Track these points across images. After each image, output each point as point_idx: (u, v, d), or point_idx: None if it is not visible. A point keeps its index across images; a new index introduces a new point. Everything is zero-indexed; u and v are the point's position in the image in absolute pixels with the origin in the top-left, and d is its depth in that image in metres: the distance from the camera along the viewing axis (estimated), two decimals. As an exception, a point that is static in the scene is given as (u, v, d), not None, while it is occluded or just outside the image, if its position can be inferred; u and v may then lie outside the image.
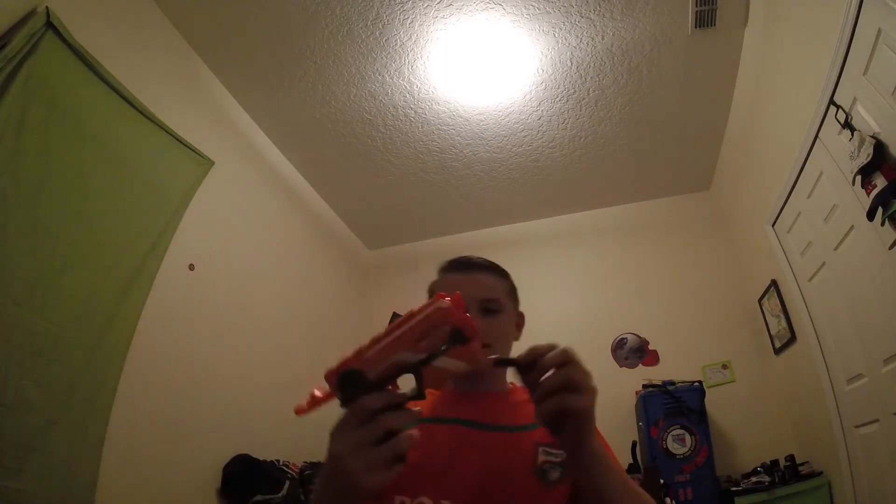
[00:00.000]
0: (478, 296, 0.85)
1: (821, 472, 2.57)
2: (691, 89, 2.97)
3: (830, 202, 2.16)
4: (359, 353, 0.51)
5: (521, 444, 0.77)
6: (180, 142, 2.45)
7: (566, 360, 0.56)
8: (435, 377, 0.53)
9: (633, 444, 3.13)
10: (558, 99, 3.01)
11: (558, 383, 0.55)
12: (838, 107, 1.90)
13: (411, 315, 0.50)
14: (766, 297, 3.10)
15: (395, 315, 4.05)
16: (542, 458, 0.75)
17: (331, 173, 3.62)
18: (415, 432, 0.50)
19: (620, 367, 3.61)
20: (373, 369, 0.50)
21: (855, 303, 2.12)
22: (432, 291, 0.91)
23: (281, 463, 2.73)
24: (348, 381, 0.50)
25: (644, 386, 3.14)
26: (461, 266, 0.90)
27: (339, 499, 0.51)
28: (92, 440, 1.83)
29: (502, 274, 0.94)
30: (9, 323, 1.61)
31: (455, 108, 3.04)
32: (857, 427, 2.21)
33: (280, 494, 2.49)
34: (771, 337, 3.16)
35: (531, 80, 2.87)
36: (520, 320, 0.95)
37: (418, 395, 0.50)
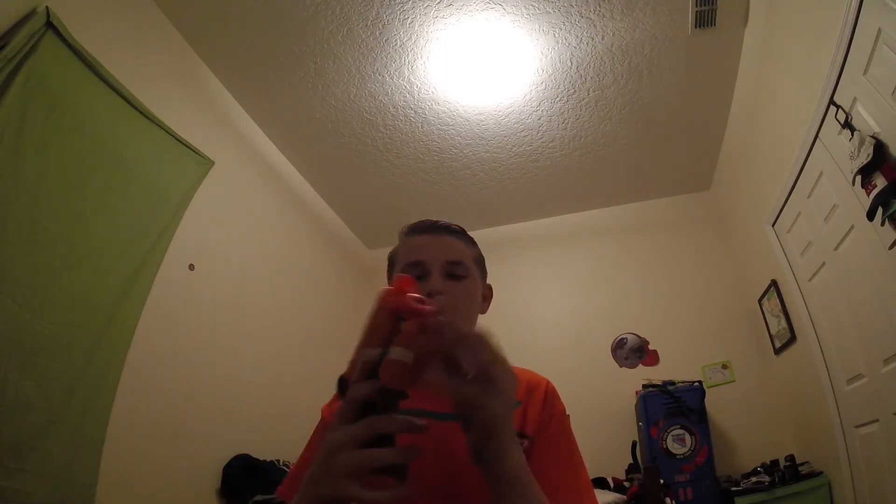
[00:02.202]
0: (442, 257, 0.79)
1: (821, 472, 2.57)
2: (691, 89, 2.97)
3: (830, 202, 2.16)
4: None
5: None
6: (180, 142, 2.45)
7: (490, 358, 0.52)
8: (418, 371, 0.49)
9: (633, 444, 3.13)
10: (558, 99, 3.01)
11: (476, 382, 0.51)
12: (838, 107, 1.90)
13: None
14: (766, 297, 3.10)
15: None
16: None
17: (331, 173, 3.62)
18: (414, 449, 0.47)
19: (620, 367, 3.61)
20: (352, 373, 0.49)
21: (855, 303, 2.12)
22: (392, 258, 0.88)
23: (281, 463, 2.73)
24: (340, 389, 0.50)
25: (644, 386, 3.14)
26: (425, 228, 0.84)
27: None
28: (92, 440, 1.83)
29: (469, 240, 0.88)
30: (9, 323, 1.61)
31: (455, 108, 3.04)
32: (857, 427, 2.21)
33: (280, 494, 2.49)
34: (771, 337, 3.16)
35: (531, 80, 2.87)
36: (487, 292, 0.88)
37: (387, 395, 0.47)
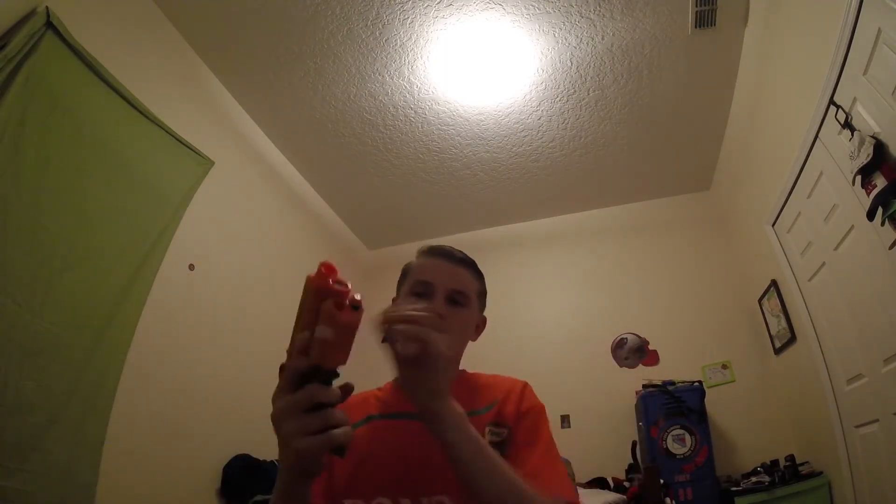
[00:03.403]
0: (449, 285, 0.86)
1: (821, 472, 2.57)
2: (691, 89, 2.97)
3: (830, 202, 2.16)
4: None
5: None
6: (180, 142, 2.45)
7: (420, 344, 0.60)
8: (342, 347, 0.54)
9: (633, 444, 3.13)
10: (558, 99, 3.01)
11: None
12: (838, 107, 1.90)
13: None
14: (766, 297, 3.10)
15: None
16: (488, 438, 0.77)
17: (331, 173, 3.62)
18: (345, 414, 0.53)
19: (620, 367, 3.61)
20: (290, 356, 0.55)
21: (855, 303, 2.12)
22: (406, 271, 0.93)
23: (281, 463, 2.73)
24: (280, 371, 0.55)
25: (644, 386, 3.14)
26: (442, 254, 0.91)
27: (287, 476, 0.56)
28: (92, 440, 1.84)
29: (478, 274, 0.95)
30: (9, 323, 1.62)
31: (455, 108, 3.04)
32: (857, 427, 2.21)
33: (280, 494, 2.49)
34: (771, 337, 3.16)
35: (531, 80, 2.87)
36: (481, 323, 0.95)
37: (320, 372, 0.53)
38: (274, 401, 0.54)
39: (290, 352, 0.55)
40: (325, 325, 0.53)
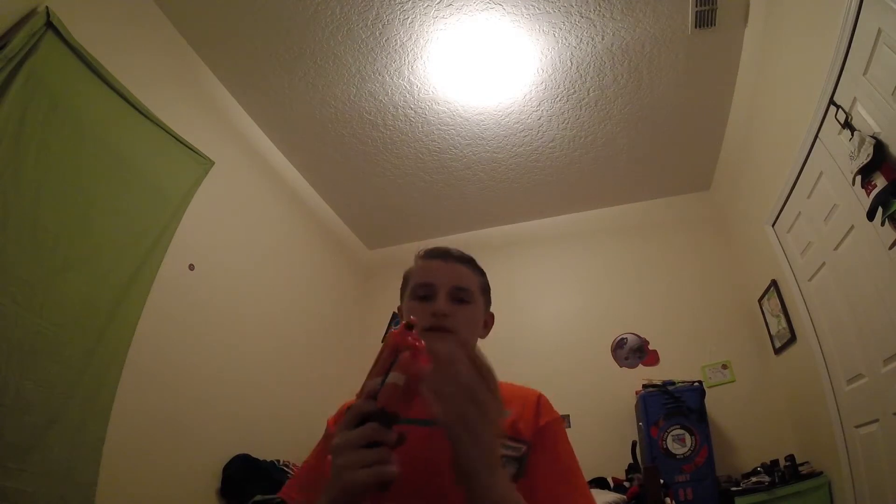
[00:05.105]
0: (450, 283, 0.86)
1: (821, 472, 2.56)
2: (691, 89, 2.97)
3: (830, 202, 2.16)
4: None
5: None
6: (180, 142, 2.45)
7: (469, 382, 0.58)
8: (409, 393, 0.58)
9: (633, 444, 3.13)
10: (558, 99, 3.01)
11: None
12: (838, 107, 1.90)
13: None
14: (766, 297, 3.10)
15: (394, 315, 4.06)
16: (502, 452, 0.75)
17: (331, 173, 3.62)
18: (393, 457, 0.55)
19: (620, 367, 3.61)
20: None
21: (855, 303, 2.12)
22: (407, 277, 0.93)
23: (281, 463, 2.73)
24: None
25: (644, 386, 3.13)
26: (439, 254, 0.91)
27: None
28: (92, 440, 1.83)
29: (478, 270, 0.94)
30: (9, 323, 1.62)
31: (455, 108, 3.04)
32: (857, 427, 2.21)
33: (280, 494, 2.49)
34: (771, 337, 3.16)
35: (531, 80, 2.87)
36: (489, 319, 0.94)
37: (381, 415, 0.57)
38: (336, 434, 0.57)
39: (359, 395, 0.60)
40: (400, 372, 0.57)
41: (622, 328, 3.71)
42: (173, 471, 2.22)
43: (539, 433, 0.78)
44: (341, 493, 0.54)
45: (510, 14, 2.46)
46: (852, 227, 2.01)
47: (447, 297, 0.85)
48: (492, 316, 0.95)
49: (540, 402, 0.83)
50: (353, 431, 0.55)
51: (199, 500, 2.36)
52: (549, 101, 3.02)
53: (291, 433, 3.03)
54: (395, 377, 0.57)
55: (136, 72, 2.26)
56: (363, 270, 4.51)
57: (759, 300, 3.21)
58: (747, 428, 3.17)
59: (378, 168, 3.54)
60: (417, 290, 0.86)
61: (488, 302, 0.95)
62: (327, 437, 0.83)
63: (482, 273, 0.95)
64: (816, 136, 2.15)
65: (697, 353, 3.46)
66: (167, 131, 2.38)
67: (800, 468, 2.66)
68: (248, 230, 3.04)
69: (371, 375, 0.60)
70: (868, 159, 1.65)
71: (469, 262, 0.93)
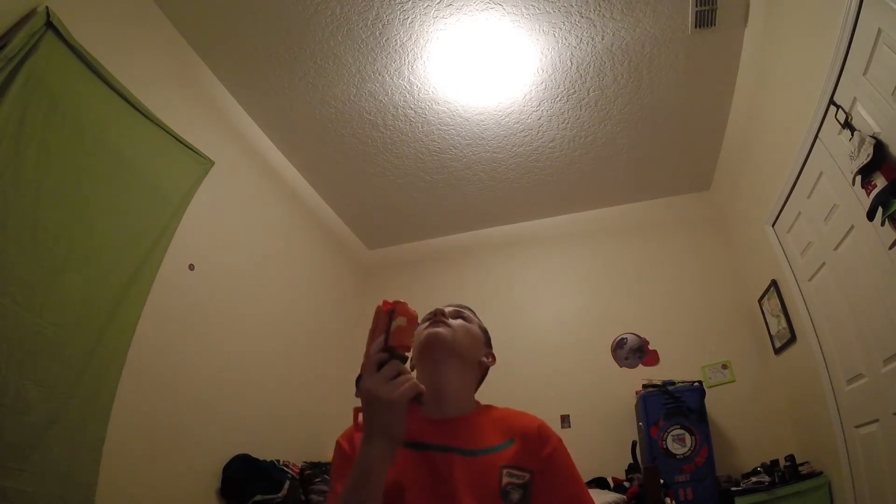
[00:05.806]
0: (453, 308, 1.02)
1: (821, 472, 2.56)
2: (691, 89, 2.97)
3: (830, 202, 2.16)
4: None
5: (488, 468, 0.80)
6: (180, 142, 2.45)
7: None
8: (411, 333, 0.77)
9: (633, 444, 3.13)
10: (558, 99, 3.01)
11: None
12: (838, 107, 1.90)
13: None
14: (766, 297, 3.10)
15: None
16: (505, 479, 0.79)
17: (331, 173, 3.62)
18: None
19: (620, 367, 3.61)
20: (364, 369, 0.75)
21: (855, 303, 2.12)
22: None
23: (281, 463, 2.73)
24: (357, 384, 0.74)
25: (644, 386, 3.13)
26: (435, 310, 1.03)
27: (366, 463, 0.68)
28: (92, 440, 1.83)
29: (474, 314, 1.07)
30: (9, 323, 1.62)
31: (455, 108, 3.04)
32: (857, 427, 2.21)
33: (280, 494, 2.49)
34: (771, 337, 3.16)
35: (531, 80, 2.87)
36: (490, 355, 1.03)
37: (397, 355, 0.74)
38: (362, 384, 0.70)
39: (365, 362, 0.73)
40: (402, 315, 0.75)
41: (622, 328, 3.71)
42: (173, 471, 2.22)
43: (545, 462, 0.83)
44: (388, 407, 0.68)
45: (510, 14, 2.46)
46: (852, 227, 2.01)
47: (449, 314, 0.99)
48: (493, 357, 1.04)
49: (541, 433, 0.87)
50: (381, 371, 0.70)
51: (199, 500, 2.36)
52: (549, 101, 3.02)
53: (291, 433, 3.03)
54: (399, 321, 0.74)
55: (136, 72, 2.26)
56: (363, 270, 4.51)
57: (759, 300, 3.21)
58: (747, 428, 3.17)
59: (378, 168, 3.54)
60: (427, 317, 0.99)
61: (489, 342, 1.05)
62: (343, 456, 0.86)
63: (484, 330, 1.07)
64: (816, 136, 2.15)
65: (697, 353, 3.46)
66: (167, 131, 2.38)
67: (800, 468, 2.66)
68: (248, 230, 3.04)
69: (373, 338, 0.74)
70: (868, 159, 1.65)
71: (465, 308, 1.06)
